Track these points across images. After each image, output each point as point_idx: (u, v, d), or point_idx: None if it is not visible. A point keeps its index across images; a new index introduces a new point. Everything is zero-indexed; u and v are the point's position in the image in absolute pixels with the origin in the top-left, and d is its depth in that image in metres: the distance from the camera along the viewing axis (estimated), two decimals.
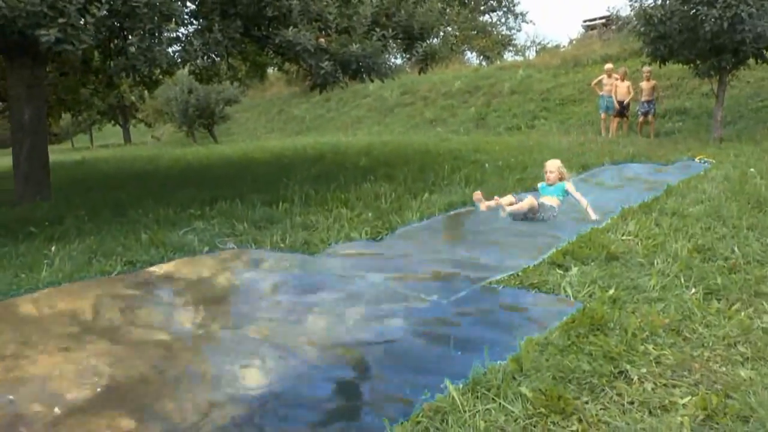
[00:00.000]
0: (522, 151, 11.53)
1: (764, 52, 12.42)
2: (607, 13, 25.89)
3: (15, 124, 8.90)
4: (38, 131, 8.96)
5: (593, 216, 6.45)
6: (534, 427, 2.63)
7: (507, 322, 3.96)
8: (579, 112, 18.22)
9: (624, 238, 5.55)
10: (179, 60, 7.94)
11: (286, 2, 7.67)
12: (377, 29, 8.49)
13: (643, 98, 14.88)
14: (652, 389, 2.92)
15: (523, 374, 3.04)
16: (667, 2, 12.36)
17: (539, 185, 7.14)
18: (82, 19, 6.28)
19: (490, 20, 37.17)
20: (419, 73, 10.79)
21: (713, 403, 2.70)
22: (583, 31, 28.63)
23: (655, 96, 14.87)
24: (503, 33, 36.77)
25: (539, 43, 35.56)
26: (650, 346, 3.33)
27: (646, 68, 14.98)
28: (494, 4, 37.11)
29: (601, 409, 2.76)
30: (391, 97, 24.41)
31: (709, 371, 3.06)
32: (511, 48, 36.44)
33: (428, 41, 9.66)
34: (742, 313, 3.73)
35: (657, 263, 4.77)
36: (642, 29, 12.96)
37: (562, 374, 3.04)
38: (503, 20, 37.42)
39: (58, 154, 21.00)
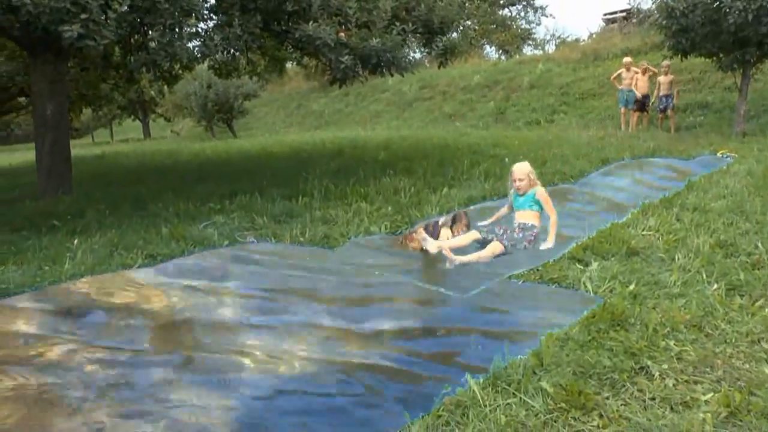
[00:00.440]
0: (541, 146, 11.46)
1: None
2: (628, 6, 25.77)
3: (38, 119, 8.99)
4: (60, 126, 9.05)
5: (549, 241, 5.44)
6: (554, 422, 2.63)
7: None
8: (599, 107, 18.07)
9: (644, 233, 5.52)
10: (199, 55, 7.98)
11: None
12: (397, 23, 8.46)
13: (661, 93, 14.71)
14: (674, 385, 2.90)
15: (543, 369, 3.04)
16: None
17: (510, 193, 5.96)
18: (104, 15, 6.32)
19: (509, 14, 36.98)
20: (439, 67, 10.74)
21: (736, 400, 2.68)
22: (604, 24, 28.41)
23: (673, 90, 14.69)
24: (522, 27, 36.53)
25: (559, 37, 35.36)
26: (671, 342, 3.32)
27: (665, 62, 14.80)
28: None
29: (621, 404, 2.75)
30: (410, 92, 24.36)
31: (731, 368, 3.04)
32: (530, 42, 36.26)
33: (448, 35, 9.62)
34: (766, 310, 3.69)
35: (678, 258, 4.74)
36: (664, 22, 12.81)
37: (582, 369, 3.03)
38: (522, 14, 37.21)
39: (78, 148, 21.16)
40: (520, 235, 5.48)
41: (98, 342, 3.67)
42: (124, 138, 36.16)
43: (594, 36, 28.33)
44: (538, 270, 4.73)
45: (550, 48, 32.07)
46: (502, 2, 36.65)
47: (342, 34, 8.03)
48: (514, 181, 5.73)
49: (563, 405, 2.72)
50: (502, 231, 5.52)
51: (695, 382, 2.92)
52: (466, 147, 12.19)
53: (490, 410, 2.70)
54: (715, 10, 11.67)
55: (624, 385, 2.91)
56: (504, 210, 6.07)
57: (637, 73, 15.14)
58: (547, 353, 3.15)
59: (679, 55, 13.44)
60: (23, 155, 23.02)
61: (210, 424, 2.76)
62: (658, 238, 5.31)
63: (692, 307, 3.75)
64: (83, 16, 6.06)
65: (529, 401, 2.76)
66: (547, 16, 51.75)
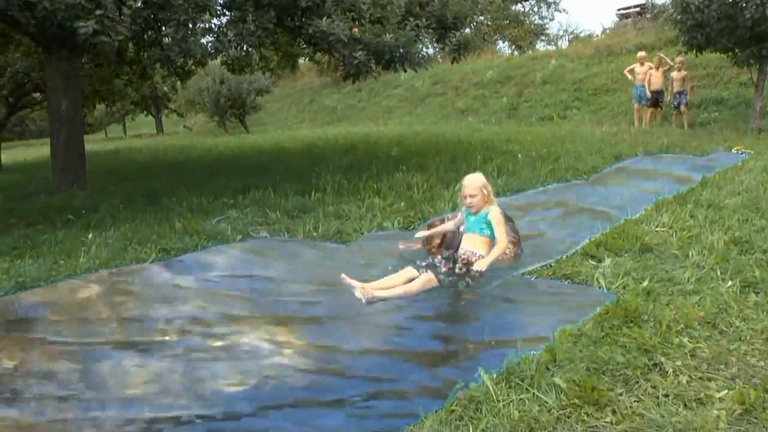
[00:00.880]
0: (554, 142, 11.42)
1: None
2: (642, 2, 25.57)
3: (53, 115, 9.06)
4: (75, 121, 9.11)
5: (484, 262, 4.40)
6: (568, 417, 2.63)
7: None
8: (612, 102, 17.98)
9: (658, 229, 5.50)
10: (212, 50, 8.01)
11: None
12: (411, 19, 8.46)
13: (674, 89, 14.59)
14: (688, 382, 2.90)
15: (556, 365, 3.04)
16: None
17: (462, 210, 4.89)
18: (119, 11, 6.36)
19: (522, 9, 36.74)
20: (452, 62, 10.72)
21: (751, 398, 2.67)
22: (617, 19, 28.20)
23: (687, 86, 14.57)
24: (535, 22, 36.30)
25: (572, 33, 35.07)
26: (685, 339, 3.31)
27: (678, 58, 14.69)
28: None
29: (635, 401, 2.75)
30: (423, 87, 24.32)
31: (746, 365, 3.03)
32: (543, 37, 36.00)
33: (461, 31, 9.60)
34: None
35: (692, 255, 4.72)
36: (679, 17, 12.72)
37: (595, 366, 3.03)
38: (535, 9, 36.95)
39: (92, 144, 21.28)
40: (464, 270, 4.44)
41: None
42: (137, 133, 36.33)
43: (607, 31, 28.10)
44: (551, 266, 4.72)
45: (563, 43, 31.86)
46: None
47: (355, 30, 8.03)
48: (465, 197, 4.66)
49: (576, 401, 2.72)
50: (441, 262, 4.50)
51: (709, 379, 2.92)
52: (479, 143, 12.17)
53: (503, 405, 2.70)
54: (731, 4, 11.58)
55: (637, 382, 2.90)
56: (448, 225, 5.10)
57: (651, 68, 15.03)
58: (560, 349, 3.15)
59: (694, 51, 13.34)
60: (38, 150, 23.22)
61: None
62: (672, 235, 5.29)
63: (706, 304, 3.74)
64: (98, 12, 6.10)
65: (542, 397, 2.76)
66: (560, 12, 51.22)
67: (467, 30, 10.26)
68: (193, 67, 12.63)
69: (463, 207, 4.78)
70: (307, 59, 15.25)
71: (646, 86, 14.99)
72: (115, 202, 7.80)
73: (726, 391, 2.79)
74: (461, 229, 4.83)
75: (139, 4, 6.45)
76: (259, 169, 10.48)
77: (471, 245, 4.58)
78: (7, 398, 3.02)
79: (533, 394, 2.79)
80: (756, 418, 2.59)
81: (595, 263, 4.70)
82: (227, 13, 8.29)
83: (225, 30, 7.74)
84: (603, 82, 19.24)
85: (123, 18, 6.37)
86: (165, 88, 27.02)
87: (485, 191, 4.63)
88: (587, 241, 5.23)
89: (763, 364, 3.04)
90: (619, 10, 27.72)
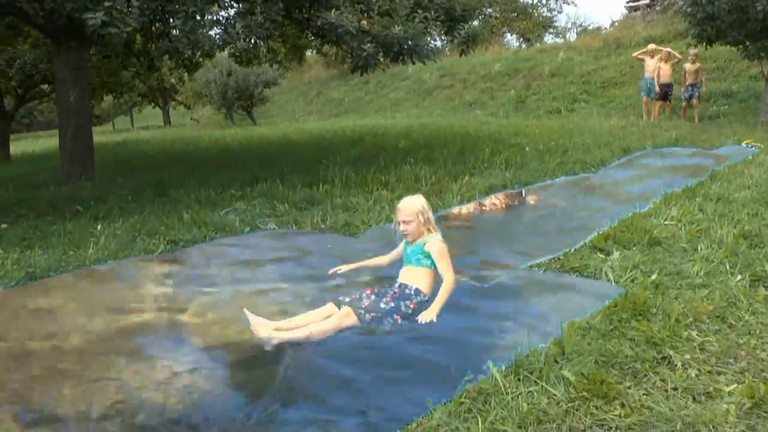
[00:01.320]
0: (562, 135, 11.38)
1: None
2: None
3: (61, 106, 9.10)
4: (83, 113, 9.15)
5: (431, 312, 3.58)
6: (576, 410, 2.63)
7: None
8: (620, 95, 17.90)
9: (667, 222, 5.48)
10: (221, 42, 8.02)
11: None
12: (419, 11, 8.44)
13: (687, 81, 14.51)
14: (696, 376, 2.89)
15: (565, 358, 3.04)
16: None
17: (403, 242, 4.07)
18: (127, 3, 6.37)
19: (530, 2, 36.61)
20: (460, 55, 10.69)
21: (761, 392, 2.66)
22: (626, 12, 28.10)
23: (700, 79, 14.48)
24: (544, 15, 36.18)
25: (580, 25, 35.01)
26: (694, 333, 3.30)
27: (692, 50, 14.59)
28: None
29: (644, 394, 2.75)
30: (430, 80, 24.27)
31: (756, 359, 3.02)
32: (551, 30, 35.92)
33: (470, 23, 9.57)
34: None
35: (701, 249, 4.70)
36: (689, 9, 12.64)
37: (604, 358, 3.02)
38: (544, 2, 36.80)
39: (99, 135, 21.30)
40: (390, 305, 3.64)
41: None
42: (144, 125, 36.39)
43: (616, 24, 28.03)
44: (559, 259, 4.72)
45: (572, 36, 31.79)
46: None
47: (364, 22, 8.02)
48: (398, 223, 3.94)
49: (585, 394, 2.72)
50: (370, 296, 3.73)
51: (718, 373, 2.91)
52: (487, 135, 12.14)
53: (512, 398, 2.70)
54: None
55: (646, 375, 2.90)
56: (382, 260, 4.26)
57: (660, 61, 14.95)
58: (568, 342, 3.15)
59: (704, 44, 13.26)
60: (46, 142, 23.28)
61: None
62: (681, 228, 5.27)
63: (715, 297, 3.73)
64: (107, 3, 6.12)
65: (551, 389, 2.76)
66: (568, 4, 51.08)
67: (476, 22, 10.22)
68: (200, 59, 12.64)
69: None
70: (315, 51, 15.21)
71: (655, 79, 14.92)
72: (123, 193, 7.83)
73: (735, 384, 2.78)
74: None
75: None
76: (266, 161, 10.49)
77: (409, 278, 3.81)
78: None
79: (542, 386, 2.79)
80: (765, 412, 2.58)
81: (603, 256, 4.69)
82: (235, 4, 8.29)
83: (233, 22, 7.75)
84: (611, 75, 19.16)
85: (131, 9, 6.38)
86: (172, 80, 27.09)
87: (422, 218, 3.86)
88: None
89: None
90: (628, 2, 27.57)
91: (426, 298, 3.70)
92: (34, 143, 24.42)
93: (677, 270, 4.27)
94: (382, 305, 3.60)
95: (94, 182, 8.86)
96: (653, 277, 4.10)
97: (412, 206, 3.87)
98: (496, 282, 4.34)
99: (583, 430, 2.51)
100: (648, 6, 25.19)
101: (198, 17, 7.22)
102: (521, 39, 33.95)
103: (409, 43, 8.27)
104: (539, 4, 36.27)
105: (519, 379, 2.86)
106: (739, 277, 4.07)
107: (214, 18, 7.83)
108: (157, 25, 8.53)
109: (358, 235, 5.72)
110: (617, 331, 3.33)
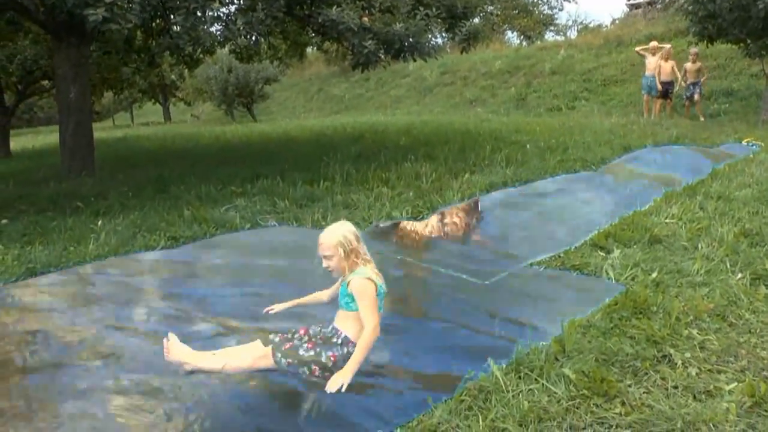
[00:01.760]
0: (563, 132, 11.37)
1: None
2: None
3: (61, 102, 9.08)
4: (83, 109, 9.13)
5: (342, 376, 2.93)
6: (577, 408, 2.63)
7: None
8: (621, 93, 17.88)
9: (667, 221, 5.48)
10: (221, 39, 8.00)
11: None
12: (421, 8, 8.43)
13: (688, 80, 14.48)
14: (697, 374, 2.89)
15: (565, 356, 3.04)
16: None
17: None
18: None
19: None
20: (461, 52, 10.68)
21: (761, 390, 2.66)
22: (627, 10, 28.05)
23: (701, 78, 14.45)
24: (545, 12, 36.15)
25: (581, 23, 34.96)
26: (694, 331, 3.30)
27: (693, 49, 14.57)
28: None
29: (644, 392, 2.75)
30: (431, 77, 24.25)
31: (756, 358, 3.02)
32: (552, 28, 35.86)
33: (471, 20, 9.55)
34: None
35: (701, 247, 4.71)
36: (690, 7, 12.64)
37: (604, 357, 3.03)
38: None
39: (100, 131, 21.28)
40: (311, 353, 3.09)
41: None
42: (144, 121, 36.37)
43: (617, 22, 27.98)
44: (560, 257, 4.72)
45: (572, 34, 31.76)
46: None
47: (365, 19, 8.00)
48: (320, 258, 3.23)
49: (585, 392, 2.72)
50: (299, 337, 3.19)
51: (719, 372, 2.91)
52: (488, 133, 12.13)
53: (512, 396, 2.71)
54: None
55: (646, 373, 2.90)
56: (323, 295, 3.50)
57: (662, 58, 14.92)
58: (569, 340, 3.15)
59: (705, 42, 13.25)
60: (46, 137, 23.26)
61: None
62: (681, 227, 5.27)
63: (716, 296, 3.73)
64: (108, 0, 6.10)
65: (552, 388, 2.76)
66: (569, 2, 51.16)
67: (477, 20, 10.21)
68: (201, 56, 12.62)
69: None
70: (315, 48, 15.20)
71: (656, 77, 14.89)
72: (123, 189, 7.82)
73: (735, 383, 2.78)
74: None
75: None
76: (267, 157, 10.48)
77: (341, 322, 3.18)
78: None
79: (542, 384, 2.79)
80: (766, 410, 2.58)
81: (604, 254, 4.70)
82: (236, 1, 8.27)
83: (234, 18, 7.72)
84: (612, 73, 19.14)
85: (132, 6, 6.37)
86: (173, 77, 27.09)
87: (343, 250, 3.14)
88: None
89: None
90: (629, 0, 27.54)
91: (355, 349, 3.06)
92: (34, 139, 24.38)
93: (678, 268, 4.27)
94: (302, 352, 3.08)
95: (94, 178, 8.85)
96: (654, 275, 4.10)
97: (330, 239, 3.16)
98: (497, 279, 4.35)
99: (583, 428, 2.52)
100: (649, 4, 25.18)
101: (199, 13, 7.20)
102: (522, 36, 33.92)
103: (411, 40, 8.25)
104: (540, 1, 36.24)
105: (520, 377, 2.87)
106: (739, 275, 4.08)
107: (215, 14, 7.80)
108: (158, 21, 8.52)
109: (359, 232, 5.71)
110: (618, 329, 3.34)
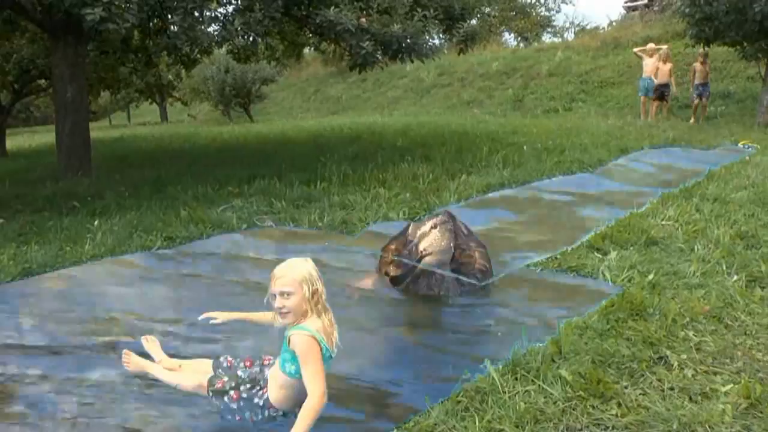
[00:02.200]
0: (560, 134, 11.38)
1: None
2: None
3: (58, 102, 9.07)
4: (80, 108, 9.12)
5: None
6: (573, 409, 2.63)
7: None
8: (618, 95, 17.91)
9: (664, 223, 5.49)
10: (219, 39, 8.00)
11: None
12: (418, 9, 8.43)
13: (697, 81, 14.47)
14: (693, 376, 2.90)
15: (562, 357, 3.04)
16: None
17: None
18: None
19: (529, 1, 36.60)
20: (458, 53, 10.68)
21: (757, 392, 2.67)
22: (624, 12, 28.11)
23: (709, 79, 14.46)
24: (542, 14, 36.16)
25: (578, 25, 35.01)
26: (691, 333, 3.31)
27: (701, 50, 14.57)
28: None
29: (640, 394, 2.76)
30: (428, 78, 24.24)
31: (752, 359, 3.03)
32: (549, 29, 35.87)
33: (468, 22, 9.56)
34: None
35: (698, 249, 4.71)
36: (687, 10, 12.66)
37: (601, 358, 3.03)
38: (542, 1, 36.79)
39: (96, 131, 21.13)
40: (233, 405, 2.69)
41: None
42: (141, 121, 36.31)
43: (614, 24, 28.03)
44: (556, 258, 4.72)
45: (570, 36, 31.80)
46: None
47: (363, 20, 8.00)
48: (273, 296, 2.55)
49: (582, 393, 2.73)
50: (243, 369, 2.78)
51: (714, 373, 2.92)
52: (485, 134, 12.13)
53: (509, 397, 2.71)
54: None
55: (643, 375, 2.91)
56: (269, 316, 2.76)
57: (660, 60, 14.93)
58: (565, 341, 3.16)
59: (702, 44, 13.27)
60: (42, 137, 23.20)
61: None
62: (678, 229, 5.28)
63: (712, 298, 3.74)
64: None
65: (548, 389, 2.77)
66: (567, 3, 51.25)
67: (474, 21, 10.21)
68: (198, 56, 12.59)
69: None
70: (313, 49, 15.17)
71: (653, 79, 14.90)
72: (120, 189, 7.81)
73: (731, 385, 2.79)
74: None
75: None
76: (264, 158, 10.47)
77: (272, 375, 2.66)
78: None
79: (539, 385, 2.80)
80: (761, 412, 2.59)
81: (600, 256, 4.70)
82: (234, 1, 8.27)
83: (232, 18, 7.72)
84: (609, 75, 19.17)
85: (130, 5, 6.37)
86: (170, 77, 27.02)
87: (308, 289, 2.50)
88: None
89: None
90: (626, 2, 27.60)
91: (277, 414, 2.65)
92: (30, 138, 24.34)
93: (674, 270, 4.28)
94: (226, 399, 2.69)
95: (90, 178, 8.84)
96: (650, 277, 4.11)
97: (294, 272, 2.53)
98: (493, 281, 4.35)
99: (579, 430, 2.52)
100: (646, 6, 25.22)
101: (196, 14, 7.20)
102: (519, 38, 33.92)
103: (408, 41, 8.25)
104: (537, 3, 36.25)
105: (516, 379, 2.87)
106: (735, 277, 4.09)
107: (213, 14, 7.81)
108: (156, 21, 8.50)
109: (356, 233, 5.71)
110: (614, 330, 3.34)
